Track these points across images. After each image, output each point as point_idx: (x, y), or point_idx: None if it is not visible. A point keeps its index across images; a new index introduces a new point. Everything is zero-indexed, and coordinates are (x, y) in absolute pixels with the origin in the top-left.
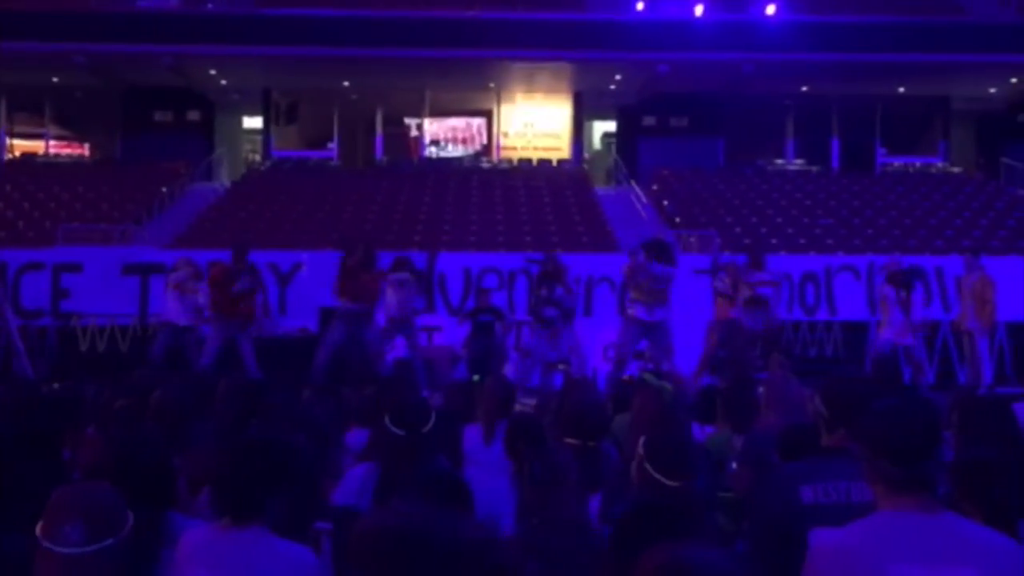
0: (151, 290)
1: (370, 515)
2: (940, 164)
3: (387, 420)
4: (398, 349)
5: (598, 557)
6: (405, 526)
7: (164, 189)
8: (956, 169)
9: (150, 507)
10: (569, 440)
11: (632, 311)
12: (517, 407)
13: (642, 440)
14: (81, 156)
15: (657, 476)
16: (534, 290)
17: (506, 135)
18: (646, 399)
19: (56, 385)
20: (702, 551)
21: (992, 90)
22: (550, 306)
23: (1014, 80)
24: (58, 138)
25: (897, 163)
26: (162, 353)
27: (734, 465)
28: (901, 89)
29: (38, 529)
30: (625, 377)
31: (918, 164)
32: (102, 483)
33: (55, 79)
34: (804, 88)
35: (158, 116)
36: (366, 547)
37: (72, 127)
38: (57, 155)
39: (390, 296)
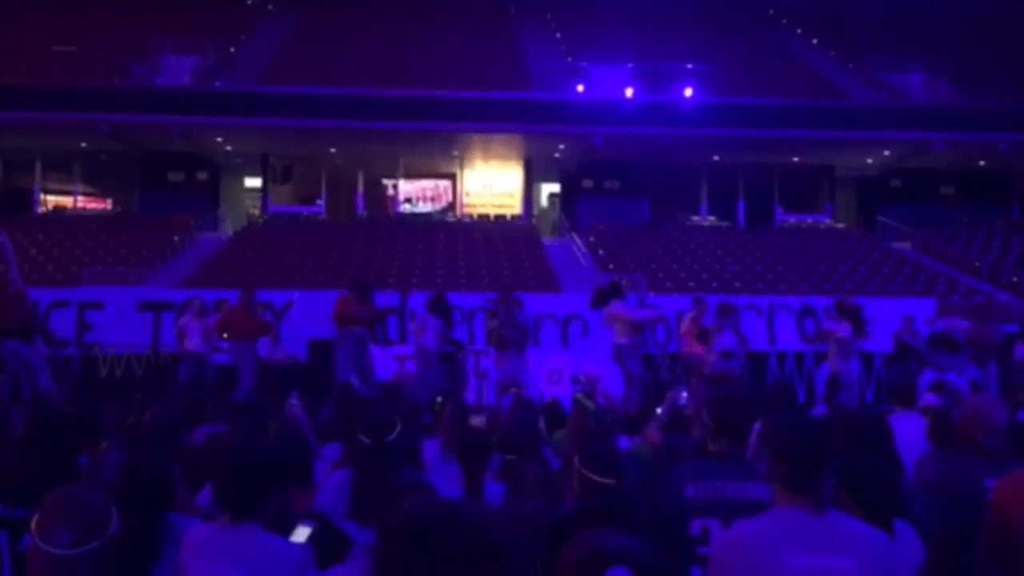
0: (162, 324)
1: (394, 510)
2: (827, 221)
3: (358, 431)
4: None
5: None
6: (431, 513)
7: (175, 238)
8: (840, 225)
9: (151, 512)
10: (506, 455)
11: (622, 340)
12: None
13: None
14: (104, 210)
15: (593, 477)
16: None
17: (468, 194)
18: (579, 417)
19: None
20: (619, 539)
21: (869, 160)
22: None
23: (887, 152)
24: (85, 194)
25: (792, 220)
26: (190, 378)
27: None
28: (795, 159)
29: (32, 525)
30: (549, 399)
31: (809, 221)
32: (92, 489)
33: (83, 144)
34: (715, 157)
35: (171, 176)
36: (396, 536)
37: (97, 185)
38: (84, 209)
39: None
